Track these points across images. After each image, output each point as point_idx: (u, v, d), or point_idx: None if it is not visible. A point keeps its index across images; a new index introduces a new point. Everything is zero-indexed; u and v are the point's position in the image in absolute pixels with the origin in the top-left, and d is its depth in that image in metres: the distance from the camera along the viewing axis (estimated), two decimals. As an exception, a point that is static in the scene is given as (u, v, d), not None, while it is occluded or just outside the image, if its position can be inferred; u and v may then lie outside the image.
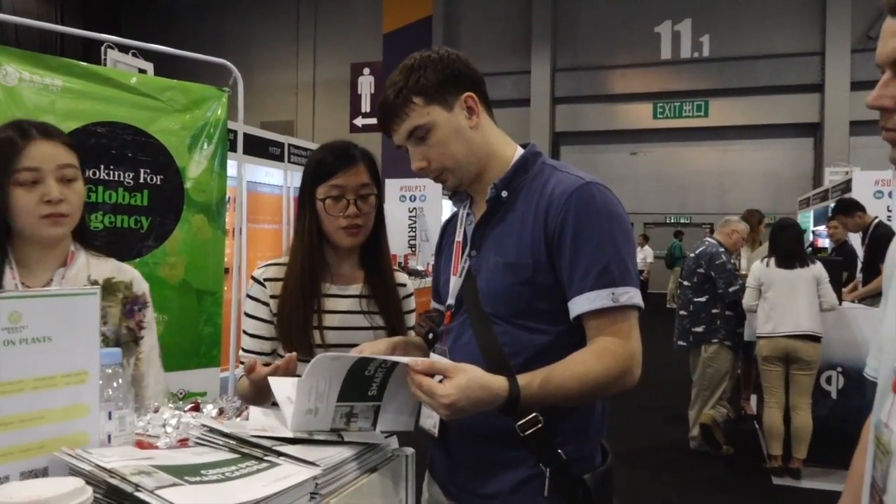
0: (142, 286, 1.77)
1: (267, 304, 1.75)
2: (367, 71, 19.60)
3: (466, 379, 1.21)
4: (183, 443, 1.25)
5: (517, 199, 1.46)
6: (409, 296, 1.87)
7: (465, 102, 1.45)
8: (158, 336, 1.84)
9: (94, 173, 2.59)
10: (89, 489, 0.78)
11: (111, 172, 2.62)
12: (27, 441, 0.99)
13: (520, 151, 1.52)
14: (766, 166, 17.63)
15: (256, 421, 1.32)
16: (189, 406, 1.51)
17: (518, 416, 1.35)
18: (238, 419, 1.41)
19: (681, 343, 5.08)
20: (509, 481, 1.41)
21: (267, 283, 1.75)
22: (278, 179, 7.81)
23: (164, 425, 1.32)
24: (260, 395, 1.52)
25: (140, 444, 1.23)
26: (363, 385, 1.25)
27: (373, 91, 19.96)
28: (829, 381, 4.80)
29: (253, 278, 1.77)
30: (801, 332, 4.42)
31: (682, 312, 5.08)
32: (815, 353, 4.48)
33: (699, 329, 4.93)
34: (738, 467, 4.88)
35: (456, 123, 1.44)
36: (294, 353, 1.51)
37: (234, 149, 3.52)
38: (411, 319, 1.87)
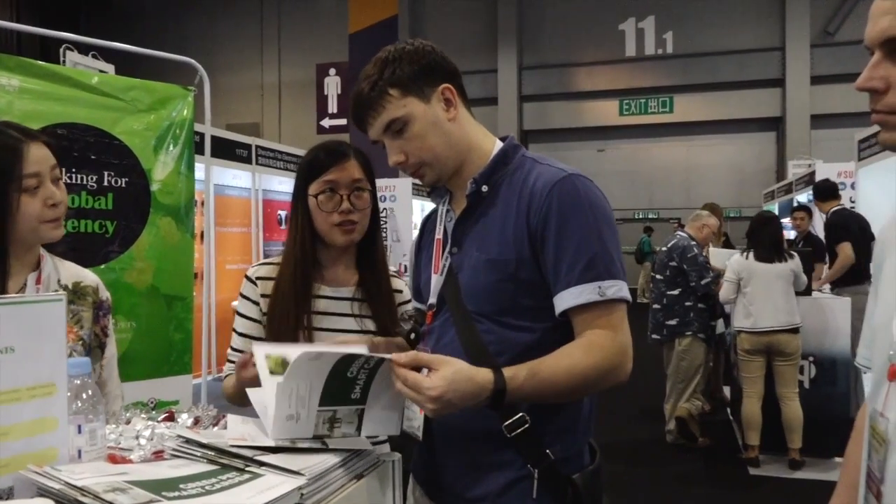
0: (105, 292, 1.76)
1: (257, 303, 1.72)
2: (332, 71, 19.44)
3: (452, 371, 1.17)
4: (158, 455, 1.19)
5: (498, 193, 1.42)
6: (405, 303, 1.82)
7: (442, 94, 1.41)
8: (127, 344, 1.80)
9: (56, 177, 2.49)
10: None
11: (73, 175, 2.53)
12: (-9, 459, 0.92)
13: (499, 144, 1.49)
14: (730, 160, 17.88)
15: (235, 430, 1.26)
16: (163, 416, 1.45)
17: (504, 416, 1.32)
18: (215, 428, 1.35)
19: (654, 336, 5.11)
20: (497, 483, 1.38)
21: (258, 282, 1.73)
22: (246, 182, 7.72)
23: (137, 437, 1.26)
24: (241, 395, 1.47)
25: (112, 459, 1.17)
26: (346, 388, 1.21)
27: (339, 91, 19.81)
28: (801, 370, 4.85)
29: (246, 277, 1.76)
30: (782, 327, 4.47)
31: (655, 306, 5.10)
32: (796, 344, 4.54)
33: (673, 322, 4.96)
34: (714, 459, 4.91)
35: (433, 115, 1.40)
36: None
37: (200, 151, 3.43)
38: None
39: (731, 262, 4.74)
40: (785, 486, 4.34)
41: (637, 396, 6.34)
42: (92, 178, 2.58)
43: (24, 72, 2.44)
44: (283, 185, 8.40)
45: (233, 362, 1.71)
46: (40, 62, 2.51)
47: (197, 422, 1.44)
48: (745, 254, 4.66)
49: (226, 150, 6.98)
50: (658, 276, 5.10)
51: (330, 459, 1.15)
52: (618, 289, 1.31)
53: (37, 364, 0.97)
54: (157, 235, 2.69)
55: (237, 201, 7.56)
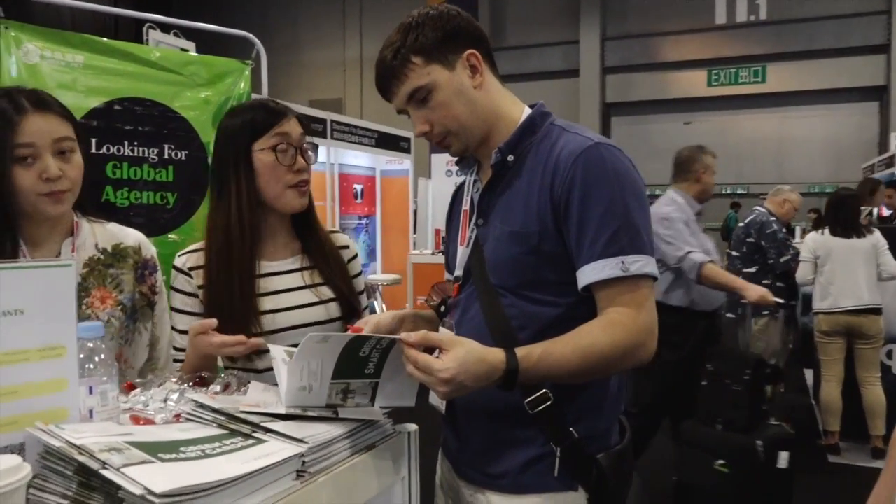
0: (150, 250, 1.73)
1: (196, 296, 1.57)
2: (413, 46, 19.51)
3: (464, 352, 1.14)
4: (177, 418, 1.22)
5: (524, 163, 1.37)
6: (354, 258, 1.72)
7: (467, 61, 1.36)
8: None
9: (119, 149, 2.59)
10: (27, 467, 0.74)
11: (135, 148, 2.62)
12: (1, 416, 0.96)
13: (528, 112, 1.43)
14: (827, 133, 16.86)
15: (252, 396, 1.28)
16: (194, 381, 1.48)
17: (526, 392, 1.28)
18: (238, 394, 1.38)
19: (728, 315, 4.90)
20: (518, 460, 1.35)
21: (192, 273, 1.57)
22: (321, 156, 7.86)
23: (165, 400, 1.30)
24: (205, 364, 1.46)
25: (136, 419, 1.21)
26: (359, 365, 1.20)
27: (419, 66, 19.86)
28: (889, 355, 4.57)
29: (175, 268, 1.60)
30: (863, 307, 4.21)
31: (730, 284, 4.89)
32: (878, 327, 4.28)
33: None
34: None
35: (458, 83, 1.35)
36: (258, 340, 1.44)
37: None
38: (360, 283, 1.74)
39: (806, 240, 4.51)
40: (865, 476, 4.10)
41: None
42: (153, 151, 2.66)
43: (88, 48, 2.54)
44: (358, 159, 8.51)
45: (180, 361, 1.57)
46: (103, 39, 2.60)
47: (226, 387, 1.46)
48: (820, 231, 4.41)
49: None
50: (734, 253, 4.88)
51: (336, 430, 1.15)
52: (642, 264, 1.25)
53: (46, 326, 1.01)
54: (216, 207, 2.76)
55: (313, 175, 7.71)
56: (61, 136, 1.47)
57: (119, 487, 0.85)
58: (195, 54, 2.81)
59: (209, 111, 2.80)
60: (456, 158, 1.50)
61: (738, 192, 17.49)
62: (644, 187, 1.34)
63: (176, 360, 1.62)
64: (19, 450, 0.98)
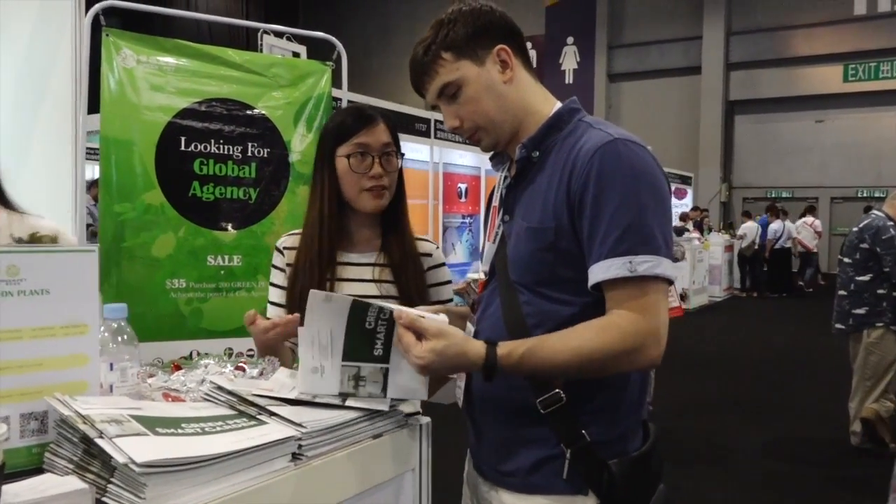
0: (68, 238, 1.81)
1: (284, 271, 1.75)
2: (528, 45, 19.34)
3: (443, 345, 1.16)
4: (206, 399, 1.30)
5: (548, 158, 1.35)
6: (437, 266, 1.79)
7: (497, 56, 1.36)
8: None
9: (206, 147, 2.76)
10: (3, 427, 0.82)
11: (221, 146, 2.78)
12: (26, 385, 1.06)
13: (557, 107, 1.41)
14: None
15: (273, 381, 1.34)
16: (235, 366, 1.57)
17: (539, 390, 1.27)
18: (261, 379, 1.44)
19: (839, 326, 4.57)
20: (529, 459, 1.33)
21: (285, 251, 1.76)
22: (425, 155, 8.01)
23: (202, 382, 1.38)
24: (266, 349, 1.55)
25: (166, 396, 1.30)
26: (367, 341, 1.22)
27: (534, 65, 19.71)
28: None
29: (275, 247, 1.79)
30: None
31: (841, 292, 4.55)
32: None
33: (861, 311, 4.40)
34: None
35: (487, 78, 1.36)
36: (296, 315, 1.50)
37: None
38: (446, 291, 1.80)
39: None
40: None
41: (817, 392, 5.76)
42: (237, 149, 2.81)
43: (179, 53, 2.73)
44: (463, 158, 8.60)
45: None
46: (193, 44, 2.78)
47: (262, 373, 1.54)
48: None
49: (404, 125, 7.28)
50: (846, 260, 4.54)
51: (341, 416, 1.18)
52: (652, 265, 1.20)
53: (70, 306, 1.10)
54: (295, 202, 2.88)
55: (416, 174, 7.85)
56: None
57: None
58: (278, 56, 2.95)
59: (291, 110, 2.93)
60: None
61: (876, 195, 16.23)
62: (665, 187, 1.29)
63: None
64: (42, 417, 1.08)
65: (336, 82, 3.09)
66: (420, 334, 1.17)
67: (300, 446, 1.10)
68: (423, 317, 1.20)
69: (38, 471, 0.99)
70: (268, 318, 1.59)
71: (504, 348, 1.19)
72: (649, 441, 1.36)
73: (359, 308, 1.20)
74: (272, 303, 1.78)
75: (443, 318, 1.22)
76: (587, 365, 1.20)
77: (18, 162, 2.60)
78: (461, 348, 1.18)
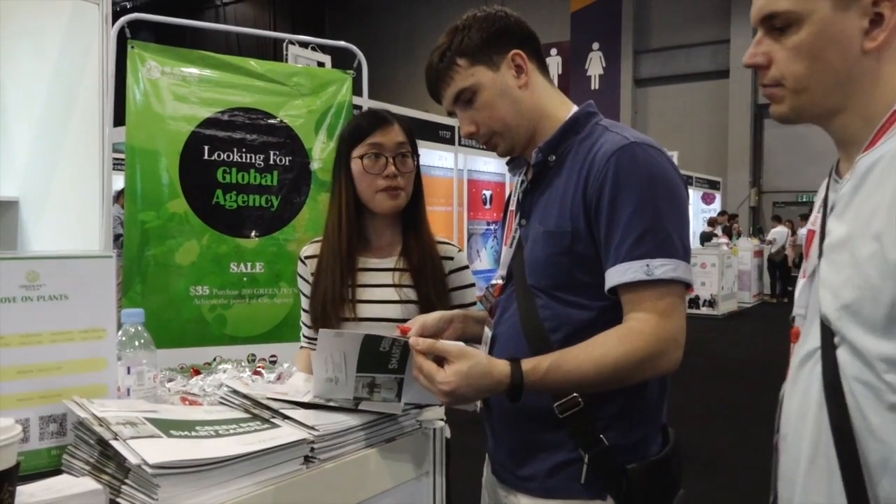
0: None
1: (308, 281, 1.77)
2: (554, 51, 19.39)
3: (468, 365, 1.15)
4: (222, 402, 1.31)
5: (564, 162, 1.35)
6: (459, 269, 1.78)
7: (512, 61, 1.37)
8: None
9: (229, 156, 2.81)
10: (18, 428, 0.84)
11: (244, 155, 2.83)
12: (45, 388, 1.08)
13: (574, 111, 1.41)
14: None
15: (288, 385, 1.35)
16: (253, 371, 1.59)
17: (556, 395, 1.27)
18: (277, 384, 1.46)
19: None
20: (546, 464, 1.33)
21: (307, 261, 1.78)
22: (450, 163, 8.02)
23: (220, 386, 1.40)
24: None
25: (184, 400, 1.32)
26: (382, 359, 1.23)
27: (560, 72, 19.71)
28: None
29: (299, 258, 1.82)
30: None
31: None
32: None
33: None
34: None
35: (502, 84, 1.36)
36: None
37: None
38: (469, 295, 1.80)
39: None
40: None
41: None
42: (259, 158, 2.86)
43: (203, 63, 2.78)
44: (488, 165, 8.59)
45: (306, 338, 1.83)
46: (216, 55, 2.84)
47: (279, 377, 1.56)
48: None
49: (428, 132, 7.31)
50: None
51: (354, 420, 1.19)
52: (669, 269, 1.20)
53: (88, 311, 1.12)
54: (316, 210, 2.91)
55: (441, 181, 7.87)
56: None
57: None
58: (299, 66, 2.99)
59: (312, 119, 2.97)
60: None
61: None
62: (683, 190, 1.28)
63: (304, 336, 1.84)
64: (62, 419, 1.10)
65: (357, 90, 3.12)
66: (441, 359, 1.16)
67: (312, 449, 1.10)
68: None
69: (57, 472, 1.02)
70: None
71: (528, 364, 1.19)
72: (669, 446, 1.35)
73: (371, 340, 1.20)
74: (305, 311, 1.82)
75: (460, 343, 1.22)
76: (614, 374, 1.19)
77: (48, 174, 2.66)
78: (486, 367, 1.17)
